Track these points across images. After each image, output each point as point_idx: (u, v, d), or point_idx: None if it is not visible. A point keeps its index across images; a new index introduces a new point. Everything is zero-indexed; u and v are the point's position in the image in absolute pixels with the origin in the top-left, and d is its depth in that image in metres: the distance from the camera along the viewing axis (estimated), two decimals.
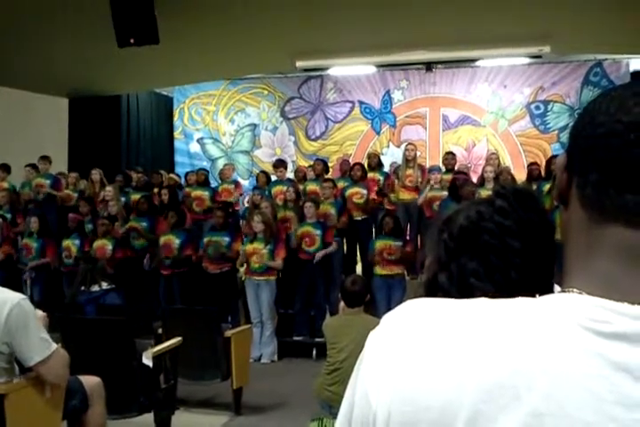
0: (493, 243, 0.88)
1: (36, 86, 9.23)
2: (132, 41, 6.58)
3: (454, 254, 0.90)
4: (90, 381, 2.72)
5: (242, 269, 6.50)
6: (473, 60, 9.19)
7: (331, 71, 10.05)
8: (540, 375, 0.53)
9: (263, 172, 8.60)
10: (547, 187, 6.48)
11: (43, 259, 6.87)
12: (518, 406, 0.53)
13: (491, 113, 10.87)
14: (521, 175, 7.97)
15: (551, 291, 0.86)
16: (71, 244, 6.82)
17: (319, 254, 6.21)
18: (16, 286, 6.72)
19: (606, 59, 10.06)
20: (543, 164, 7.55)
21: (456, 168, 7.49)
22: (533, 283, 0.88)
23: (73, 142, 9.98)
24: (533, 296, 0.63)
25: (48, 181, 7.86)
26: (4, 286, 3.15)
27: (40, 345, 2.16)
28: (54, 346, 2.24)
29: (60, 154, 9.27)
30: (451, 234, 0.91)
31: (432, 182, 6.77)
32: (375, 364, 0.60)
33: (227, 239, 6.49)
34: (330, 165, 9.87)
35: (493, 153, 8.43)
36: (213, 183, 8.78)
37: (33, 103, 9.43)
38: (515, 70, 10.53)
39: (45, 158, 8.01)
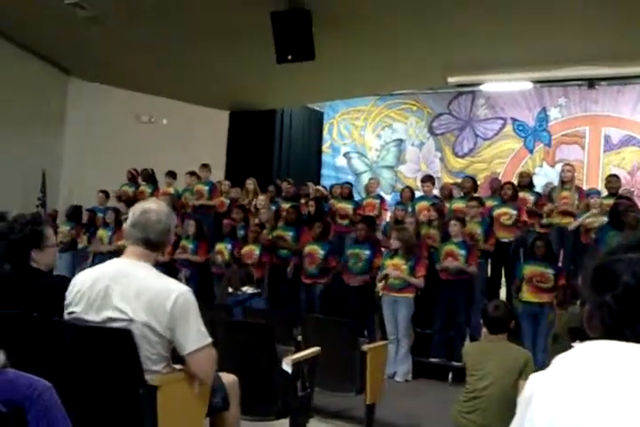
0: None
1: (200, 100, 9.99)
2: (289, 57, 6.86)
3: (623, 320, 0.77)
4: (227, 379, 2.74)
5: (380, 285, 6.48)
6: None
7: (483, 87, 9.80)
8: None
9: (408, 187, 8.56)
10: None
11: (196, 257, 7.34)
12: None
13: None
14: None
15: None
16: (224, 247, 7.24)
17: (455, 264, 6.01)
18: None
19: None
20: None
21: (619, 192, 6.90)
22: None
23: (231, 152, 10.64)
24: None
25: (207, 188, 8.41)
26: None
27: (197, 336, 2.27)
28: (209, 340, 2.32)
29: (218, 163, 9.91)
30: (616, 297, 0.78)
31: (592, 209, 6.29)
32: (549, 403, 0.59)
33: (367, 253, 6.51)
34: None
35: None
36: (356, 197, 8.89)
37: (197, 115, 10.22)
38: None
39: (206, 166, 8.59)
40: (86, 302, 2.32)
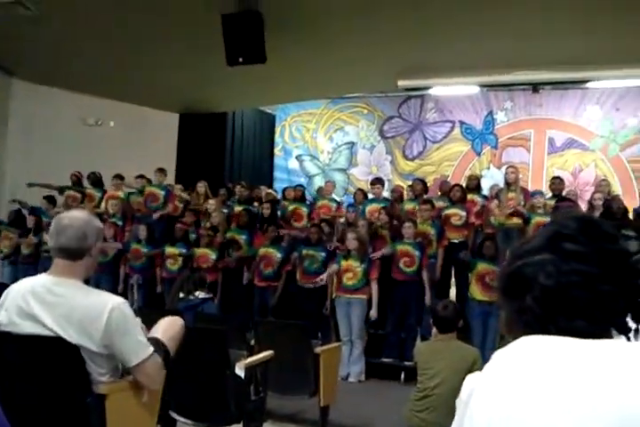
0: (589, 297, 0.78)
1: (149, 102, 9.82)
2: (240, 60, 6.83)
3: (546, 320, 0.78)
4: (171, 330, 2.44)
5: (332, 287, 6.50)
6: (583, 82, 8.83)
7: (432, 91, 9.97)
8: None
9: (360, 190, 8.63)
10: None
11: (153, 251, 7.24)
12: None
13: (601, 137, 10.37)
14: (632, 204, 7.52)
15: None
16: (176, 252, 7.12)
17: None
18: (122, 290, 7.11)
19: None
20: None
21: (563, 194, 7.14)
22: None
23: (181, 156, 10.49)
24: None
25: (163, 193, 8.23)
26: (110, 290, 3.23)
27: (138, 347, 2.21)
28: (150, 350, 2.26)
29: (168, 166, 9.75)
30: (536, 298, 0.79)
31: (535, 208, 6.50)
32: (487, 400, 0.60)
33: (323, 254, 6.56)
34: None
35: (604, 179, 8.02)
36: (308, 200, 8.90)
37: (147, 118, 10.03)
38: (630, 93, 10.00)
39: (162, 171, 8.42)
40: (14, 321, 2.21)
